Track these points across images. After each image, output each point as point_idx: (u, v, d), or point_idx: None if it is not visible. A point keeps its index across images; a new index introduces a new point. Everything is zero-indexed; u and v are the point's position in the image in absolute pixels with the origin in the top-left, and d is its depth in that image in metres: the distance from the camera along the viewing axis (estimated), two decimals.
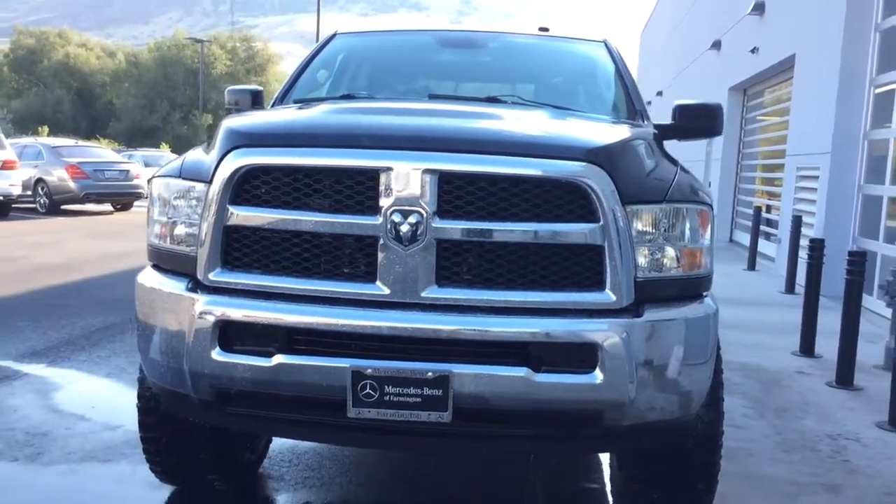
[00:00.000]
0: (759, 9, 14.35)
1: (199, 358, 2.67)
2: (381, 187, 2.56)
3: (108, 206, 19.66)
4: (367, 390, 2.55)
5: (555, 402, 2.58)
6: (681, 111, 3.88)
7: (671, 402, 2.69)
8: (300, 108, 3.50)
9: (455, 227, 2.55)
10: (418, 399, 2.54)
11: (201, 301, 2.68)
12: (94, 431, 4.16)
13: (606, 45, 4.58)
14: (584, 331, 2.56)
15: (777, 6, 13.55)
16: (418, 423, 2.58)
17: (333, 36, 4.64)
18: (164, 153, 32.77)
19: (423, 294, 2.58)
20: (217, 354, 2.65)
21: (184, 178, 2.83)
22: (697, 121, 3.89)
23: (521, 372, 2.54)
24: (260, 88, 4.26)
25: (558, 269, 2.61)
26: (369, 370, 2.54)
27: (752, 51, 14.60)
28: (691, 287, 2.79)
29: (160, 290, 2.83)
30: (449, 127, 2.79)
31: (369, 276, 2.61)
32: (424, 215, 2.54)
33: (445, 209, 2.56)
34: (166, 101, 61.02)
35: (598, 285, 2.60)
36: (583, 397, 2.58)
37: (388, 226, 2.55)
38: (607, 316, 2.60)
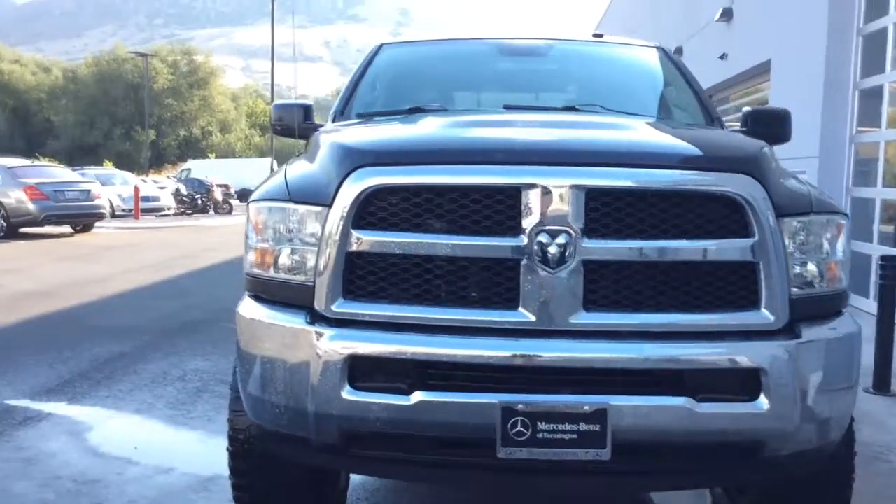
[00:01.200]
0: (727, 15, 14.50)
1: (326, 398, 2.45)
2: (524, 206, 2.38)
3: (66, 228, 18.99)
4: (519, 428, 2.36)
5: (716, 434, 2.42)
6: (752, 117, 3.79)
7: (826, 428, 2.55)
8: (404, 122, 3.29)
9: (604, 247, 2.39)
10: (574, 436, 2.36)
11: (327, 335, 2.46)
12: (147, 476, 3.88)
13: (664, 50, 4.47)
14: (748, 355, 2.41)
15: (747, 12, 13.70)
16: (574, 462, 2.39)
17: (380, 48, 4.43)
18: (116, 171, 31.92)
19: (571, 320, 2.41)
20: (347, 393, 2.43)
21: (295, 202, 2.61)
22: (768, 127, 3.79)
23: (680, 402, 2.38)
24: (310, 103, 4.04)
25: (712, 289, 2.46)
26: (520, 406, 2.36)
27: (721, 57, 14.73)
28: (835, 303, 2.67)
29: (270, 324, 2.61)
30: (594, 139, 2.63)
31: (510, 303, 2.43)
32: (573, 235, 2.36)
33: (593, 228, 2.39)
34: (107, 116, 59.75)
35: (753, 305, 2.46)
36: (746, 427, 2.43)
37: (535, 247, 2.36)
38: (765, 338, 2.45)
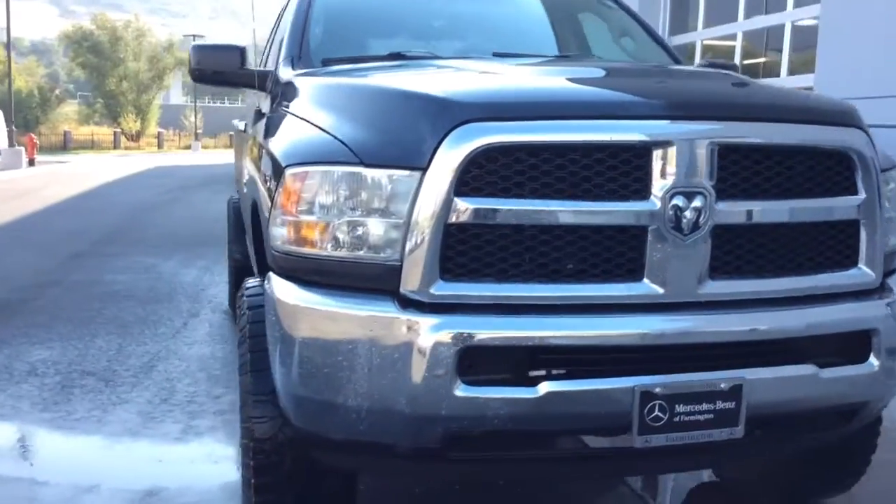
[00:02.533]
0: None
1: (432, 397, 2.07)
2: (655, 165, 2.11)
3: None
4: (657, 412, 2.12)
5: (836, 398, 2.33)
6: None
7: None
8: (440, 69, 2.85)
9: (734, 210, 2.19)
10: (710, 416, 2.17)
11: (429, 324, 2.06)
12: (70, 499, 3.19)
13: None
14: (862, 315, 2.33)
15: None
16: (707, 444, 2.20)
17: None
18: None
19: (699, 291, 2.19)
20: (461, 391, 2.06)
21: (368, 165, 2.14)
22: None
23: (808, 370, 2.26)
24: (244, 46, 3.45)
25: (823, 249, 2.35)
26: (658, 389, 2.11)
27: None
28: None
29: (340, 314, 2.15)
30: (722, 92, 2.38)
31: (634, 274, 2.16)
32: (708, 198, 2.13)
33: (724, 189, 2.17)
34: None
35: (853, 263, 2.38)
36: (860, 388, 2.36)
37: (669, 212, 2.11)
38: (870, 297, 2.39)
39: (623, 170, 2.12)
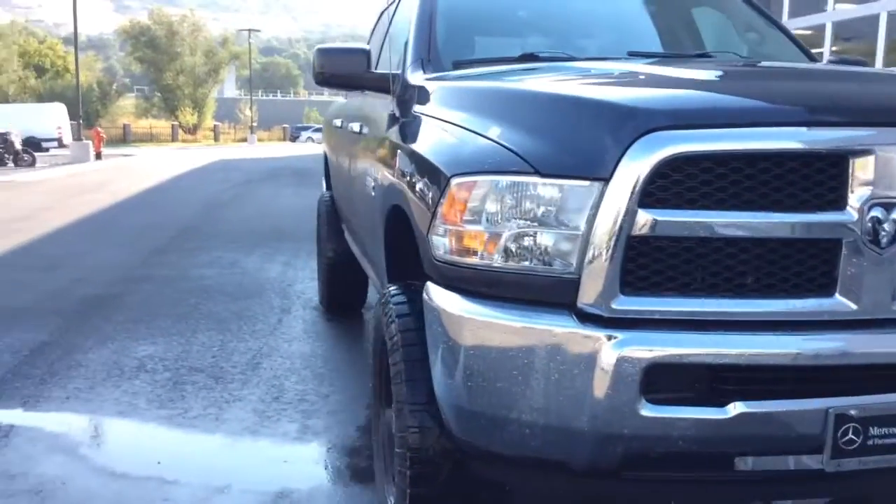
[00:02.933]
0: None
1: (614, 415, 1.99)
2: (852, 174, 2.01)
3: None
4: (850, 435, 2.02)
5: None
6: None
7: None
8: (588, 74, 2.77)
9: None
10: None
11: (613, 340, 1.98)
12: (203, 499, 3.20)
13: None
14: None
15: None
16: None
17: None
18: None
19: (894, 307, 2.07)
20: (647, 410, 1.98)
21: (544, 175, 2.07)
22: None
23: None
24: (368, 48, 3.41)
25: None
26: (853, 411, 2.01)
27: None
28: None
29: (517, 328, 2.08)
30: None
31: (826, 290, 2.05)
32: None
33: None
34: None
35: None
36: None
37: (867, 224, 2.00)
38: None
39: (817, 179, 2.02)
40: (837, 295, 2.05)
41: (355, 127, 4.03)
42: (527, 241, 2.09)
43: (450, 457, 2.37)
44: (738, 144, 1.99)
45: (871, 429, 2.02)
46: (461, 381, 2.17)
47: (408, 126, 2.96)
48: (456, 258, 2.22)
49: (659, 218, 1.98)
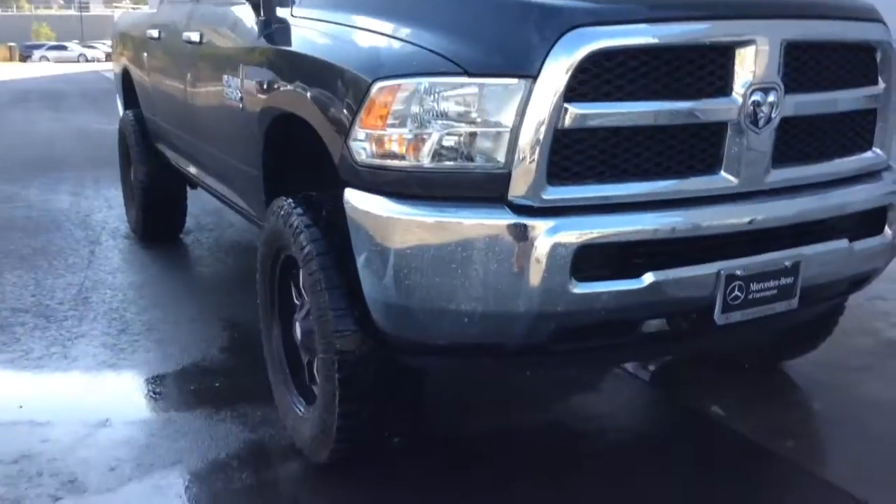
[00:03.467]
0: None
1: (549, 296, 2.18)
2: (738, 63, 2.28)
3: None
4: (735, 292, 2.35)
5: (859, 267, 2.67)
6: None
7: None
8: None
9: (798, 102, 2.40)
10: (775, 291, 2.43)
11: (544, 227, 2.15)
12: (87, 435, 3.07)
13: None
14: (883, 192, 2.66)
15: None
16: (771, 317, 2.47)
17: None
18: None
19: (766, 179, 2.41)
20: (576, 287, 2.18)
21: (473, 75, 2.16)
22: None
23: (844, 244, 2.56)
24: None
25: (850, 135, 2.63)
26: (739, 271, 2.34)
27: None
28: None
29: (451, 223, 2.19)
30: None
31: (712, 168, 2.34)
32: (779, 92, 2.33)
33: (788, 84, 2.37)
34: None
35: (869, 146, 2.68)
36: (875, 259, 2.70)
37: (749, 107, 2.29)
38: (880, 176, 2.71)
39: (710, 68, 2.26)
40: (722, 172, 2.33)
41: (193, 37, 3.83)
42: (456, 141, 2.18)
43: (375, 355, 2.46)
44: (649, 39, 2.18)
45: (752, 285, 2.35)
46: (394, 280, 2.25)
47: (291, 32, 2.88)
48: (380, 161, 2.27)
49: (582, 111, 2.14)
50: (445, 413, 3.22)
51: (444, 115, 2.17)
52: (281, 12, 3.01)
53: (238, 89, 3.21)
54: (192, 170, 4.42)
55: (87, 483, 2.74)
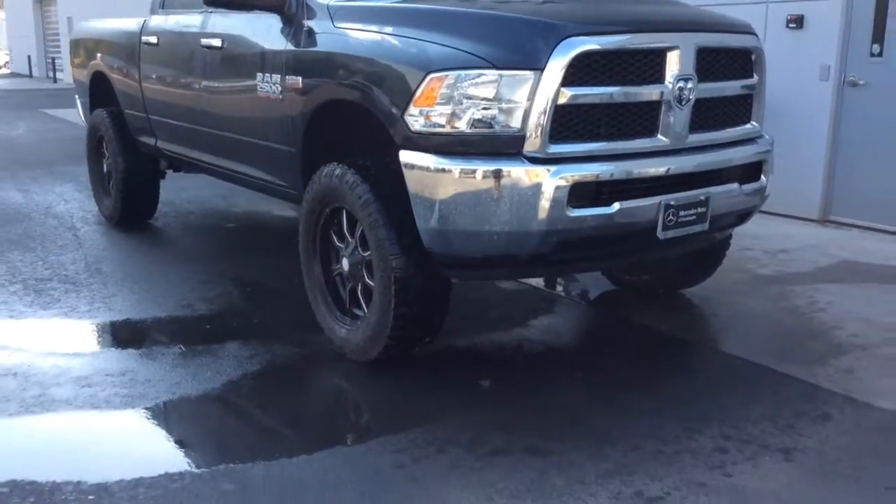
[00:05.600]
0: None
1: (554, 218, 3.20)
2: (668, 62, 3.39)
3: None
4: (670, 217, 3.45)
5: (748, 203, 3.84)
6: None
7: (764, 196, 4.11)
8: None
9: (703, 88, 3.53)
10: (695, 216, 3.55)
11: (550, 171, 3.18)
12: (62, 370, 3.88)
13: None
14: (758, 150, 3.85)
15: None
16: (691, 235, 3.60)
17: None
18: None
19: (687, 141, 3.53)
20: (571, 212, 3.23)
21: (500, 68, 3.17)
22: None
23: (735, 186, 3.73)
24: None
25: (737, 112, 3.80)
26: (672, 202, 3.45)
27: None
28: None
29: (486, 170, 3.17)
30: (698, 12, 3.68)
31: (652, 132, 3.44)
32: (693, 81, 3.46)
33: (699, 75, 3.50)
34: None
35: (748, 120, 3.87)
36: (754, 199, 3.89)
37: (676, 91, 3.40)
38: (758, 140, 3.91)
39: (652, 65, 3.35)
40: (659, 135, 3.44)
41: (214, 42, 4.66)
42: (488, 113, 3.18)
43: (420, 271, 3.42)
44: (612, 45, 3.26)
45: (680, 211, 3.47)
46: (445, 211, 3.22)
47: (336, 38, 3.78)
48: (430, 129, 3.24)
49: (572, 92, 3.18)
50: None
51: (477, 96, 3.17)
52: (319, 24, 3.91)
53: (278, 84, 4.08)
54: (200, 155, 5.20)
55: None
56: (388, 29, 3.57)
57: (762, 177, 3.88)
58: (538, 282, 5.08)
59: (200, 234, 6.59)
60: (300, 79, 3.93)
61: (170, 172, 6.46)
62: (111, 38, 6.29)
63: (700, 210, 3.55)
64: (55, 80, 29.51)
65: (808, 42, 6.57)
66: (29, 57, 35.12)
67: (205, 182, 7.45)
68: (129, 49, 5.85)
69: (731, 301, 4.74)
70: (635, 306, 4.65)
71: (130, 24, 5.95)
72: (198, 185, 7.88)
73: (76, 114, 7.59)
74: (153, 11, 5.71)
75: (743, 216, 3.99)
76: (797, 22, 6.61)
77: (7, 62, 44.61)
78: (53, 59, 31.10)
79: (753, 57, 3.79)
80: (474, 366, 3.86)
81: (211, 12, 4.79)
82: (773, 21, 6.72)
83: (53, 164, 9.85)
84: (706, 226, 3.60)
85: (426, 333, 3.66)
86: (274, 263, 5.49)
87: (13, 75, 36.07)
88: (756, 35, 3.83)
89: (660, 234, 3.44)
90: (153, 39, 5.49)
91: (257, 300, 4.78)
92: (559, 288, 5.09)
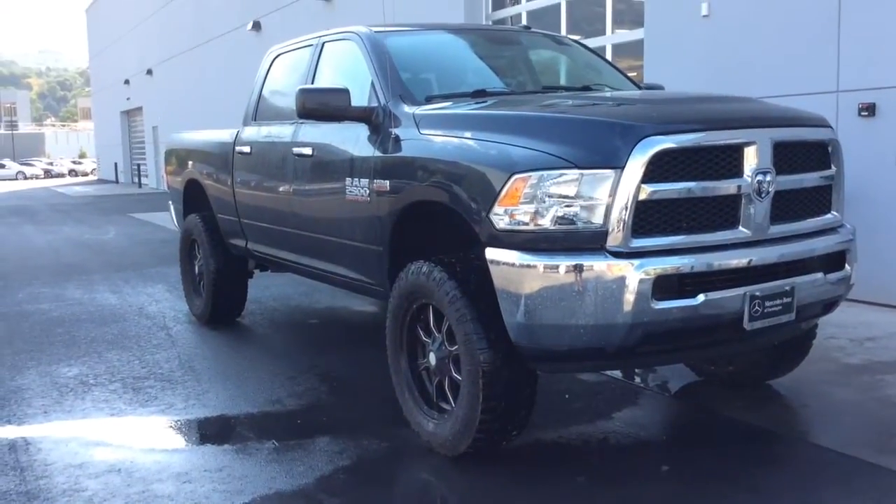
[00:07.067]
0: None
1: (639, 310, 3.26)
2: (746, 156, 3.47)
3: None
4: (756, 307, 3.48)
5: (834, 292, 3.84)
6: None
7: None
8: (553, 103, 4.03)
9: (783, 180, 3.60)
10: (780, 307, 3.56)
11: (634, 265, 3.26)
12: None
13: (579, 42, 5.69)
14: (841, 241, 3.87)
15: None
16: (778, 326, 3.61)
17: (372, 36, 4.83)
18: None
19: (768, 232, 3.58)
20: (656, 305, 3.29)
21: (581, 168, 3.30)
22: None
23: (820, 276, 3.74)
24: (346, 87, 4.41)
25: (818, 202, 3.85)
26: (758, 292, 3.48)
27: None
28: None
29: (571, 264, 3.26)
30: (773, 108, 3.79)
31: (734, 224, 3.50)
32: (772, 174, 3.53)
33: (777, 169, 3.57)
34: None
35: (829, 210, 3.90)
36: (842, 286, 3.89)
37: (755, 184, 3.48)
38: (840, 230, 3.93)
39: (731, 159, 3.45)
40: (740, 227, 3.50)
41: (304, 151, 4.95)
42: (570, 210, 3.30)
43: (506, 365, 3.50)
44: (689, 142, 3.37)
45: (766, 302, 3.49)
46: (531, 306, 3.32)
47: (423, 144, 4.00)
48: (514, 227, 3.37)
49: (652, 189, 3.29)
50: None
51: (559, 195, 3.30)
52: (405, 131, 4.14)
53: (366, 188, 4.30)
54: (289, 255, 5.44)
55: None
56: (472, 134, 3.76)
57: (846, 266, 3.89)
58: (617, 373, 5.09)
59: (286, 330, 6.81)
60: (388, 182, 4.14)
61: (257, 272, 6.74)
62: (205, 148, 6.68)
63: (786, 300, 3.57)
64: (140, 185, 31.01)
65: (881, 128, 6.59)
66: (115, 164, 37.08)
67: (289, 280, 7.72)
68: (222, 158, 6.21)
69: (821, 391, 4.67)
70: (721, 398, 4.61)
71: (224, 134, 6.32)
72: (282, 282, 8.17)
73: (162, 217, 8.02)
74: (245, 123, 6.08)
75: (829, 305, 3.98)
76: (869, 110, 6.65)
77: (94, 168, 47.22)
78: (139, 165, 32.74)
79: (830, 149, 3.85)
80: (563, 459, 3.87)
81: (302, 123, 5.09)
82: (844, 110, 6.78)
83: (143, 267, 10.32)
84: (793, 315, 3.61)
85: (514, 427, 3.70)
86: (357, 357, 5.64)
87: (100, 182, 38.01)
88: (831, 127, 3.90)
89: (746, 325, 3.46)
90: (246, 149, 5.83)
91: (344, 394, 4.90)
92: (637, 379, 5.08)
